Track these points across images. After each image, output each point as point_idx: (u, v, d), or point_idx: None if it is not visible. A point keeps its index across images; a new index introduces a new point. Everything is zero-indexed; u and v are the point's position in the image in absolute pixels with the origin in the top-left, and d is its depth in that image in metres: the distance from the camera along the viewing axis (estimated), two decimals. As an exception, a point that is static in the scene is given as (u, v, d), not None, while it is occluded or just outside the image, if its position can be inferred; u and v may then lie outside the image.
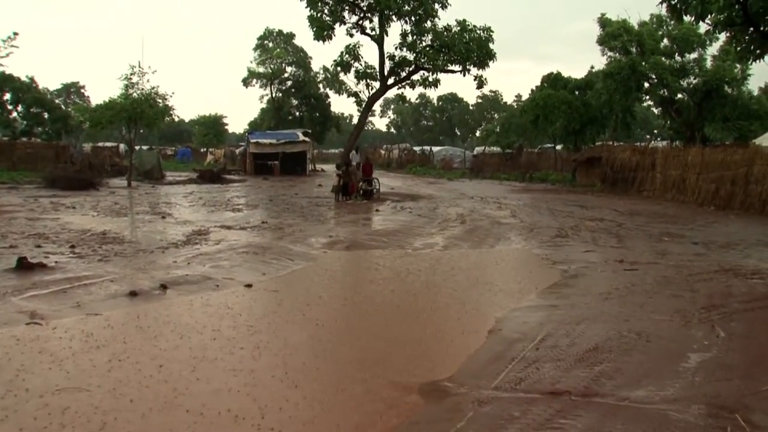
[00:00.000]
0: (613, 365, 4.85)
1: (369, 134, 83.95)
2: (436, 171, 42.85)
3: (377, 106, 66.23)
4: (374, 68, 27.81)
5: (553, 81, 33.47)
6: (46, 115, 38.53)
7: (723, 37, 21.46)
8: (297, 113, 49.01)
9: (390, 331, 5.88)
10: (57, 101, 49.38)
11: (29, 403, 3.94)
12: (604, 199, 21.73)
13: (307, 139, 39.10)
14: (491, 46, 26.63)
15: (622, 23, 28.56)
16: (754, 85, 49.18)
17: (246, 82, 48.14)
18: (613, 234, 12.65)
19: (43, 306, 6.22)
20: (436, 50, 26.37)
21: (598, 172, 27.09)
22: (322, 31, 25.81)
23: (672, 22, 26.73)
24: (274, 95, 48.63)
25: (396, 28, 55.60)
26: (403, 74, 27.89)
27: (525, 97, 47.27)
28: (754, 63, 15.20)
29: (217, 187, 26.55)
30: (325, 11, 26.13)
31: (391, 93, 33.07)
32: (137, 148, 33.85)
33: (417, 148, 55.90)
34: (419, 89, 33.59)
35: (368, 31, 27.05)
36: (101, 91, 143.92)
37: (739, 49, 14.54)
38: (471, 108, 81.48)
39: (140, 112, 24.87)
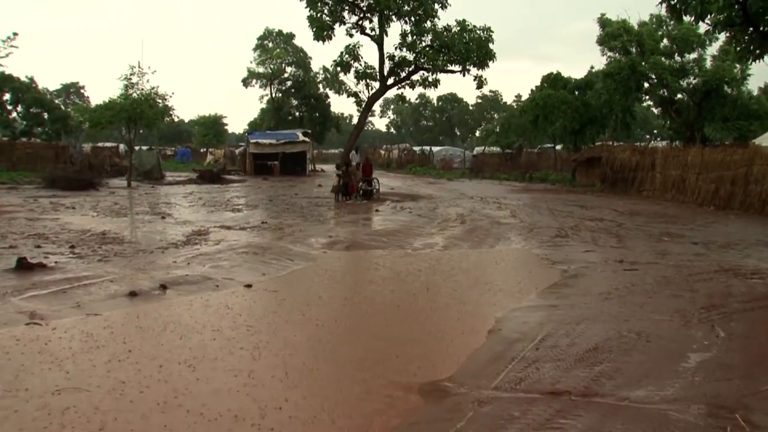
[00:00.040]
0: (613, 365, 4.85)
1: (369, 134, 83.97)
2: (435, 171, 42.85)
3: (377, 107, 66.29)
4: (374, 68, 27.82)
5: (552, 81, 33.48)
6: (45, 116, 38.53)
7: (723, 37, 21.47)
8: (297, 113, 49.01)
9: (390, 331, 5.88)
10: (57, 101, 49.38)
11: (29, 404, 3.94)
12: (603, 199, 21.73)
13: (306, 139, 39.11)
14: (491, 46, 26.65)
15: (621, 23, 28.57)
16: (753, 85, 49.15)
17: (246, 83, 48.17)
18: (613, 234, 12.65)
19: (42, 306, 6.22)
20: (436, 50, 26.37)
21: (598, 172, 27.10)
22: (322, 32, 25.80)
23: (672, 23, 26.74)
24: (273, 95, 48.64)
25: (396, 29, 55.46)
26: (403, 74, 27.90)
27: (525, 97, 47.32)
28: (753, 63, 15.21)
29: (216, 187, 26.55)
30: (325, 11, 26.12)
31: (390, 93, 33.11)
32: (137, 148, 33.85)
33: (417, 148, 55.90)
34: (419, 89, 33.73)
35: (368, 31, 27.06)
36: (101, 91, 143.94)
37: (738, 49, 14.54)
38: (471, 108, 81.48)
39: (140, 113, 24.88)
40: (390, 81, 28.14)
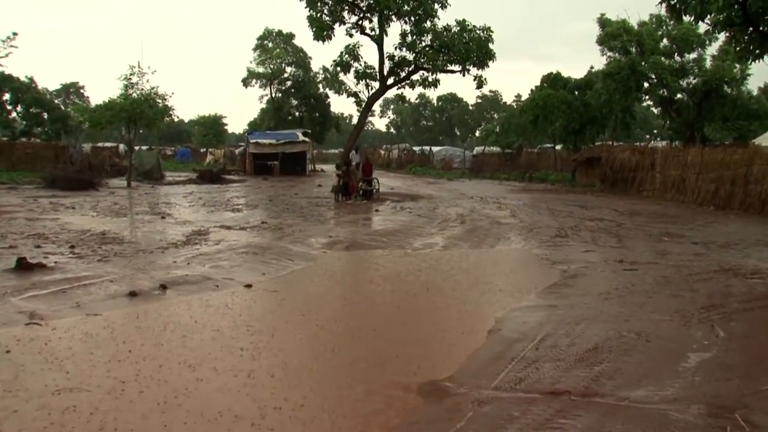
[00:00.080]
0: (613, 365, 4.85)
1: (369, 134, 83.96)
2: (435, 171, 42.84)
3: (377, 106, 66.25)
4: (374, 68, 27.81)
5: (552, 81, 33.47)
6: (45, 116, 38.52)
7: (722, 37, 21.45)
8: (297, 113, 49.00)
9: (390, 331, 5.88)
10: (56, 101, 49.33)
11: (29, 404, 3.94)
12: (603, 199, 21.74)
13: (306, 139, 39.10)
14: (491, 46, 26.62)
15: (621, 23, 28.57)
16: (753, 85, 49.22)
17: (246, 83, 48.15)
18: (613, 234, 12.65)
19: (42, 306, 6.22)
20: (436, 50, 26.36)
21: (598, 172, 27.10)
22: (322, 32, 25.80)
23: (671, 22, 26.75)
24: (273, 95, 48.63)
25: (396, 29, 55.52)
26: (403, 74, 27.88)
27: (525, 97, 47.32)
28: (753, 63, 15.19)
29: (216, 187, 26.55)
30: (325, 11, 26.12)
31: (390, 93, 33.10)
32: (137, 148, 33.84)
33: (417, 148, 55.89)
34: (419, 89, 33.74)
35: (368, 31, 27.05)
36: (101, 91, 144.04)
37: (738, 49, 14.53)
38: (471, 108, 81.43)
39: (140, 113, 24.87)
40: (390, 81, 28.14)
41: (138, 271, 8.13)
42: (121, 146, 42.93)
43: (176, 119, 45.62)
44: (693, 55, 28.48)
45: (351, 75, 28.13)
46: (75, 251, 9.41)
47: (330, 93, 47.48)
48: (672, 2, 13.42)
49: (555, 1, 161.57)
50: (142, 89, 25.29)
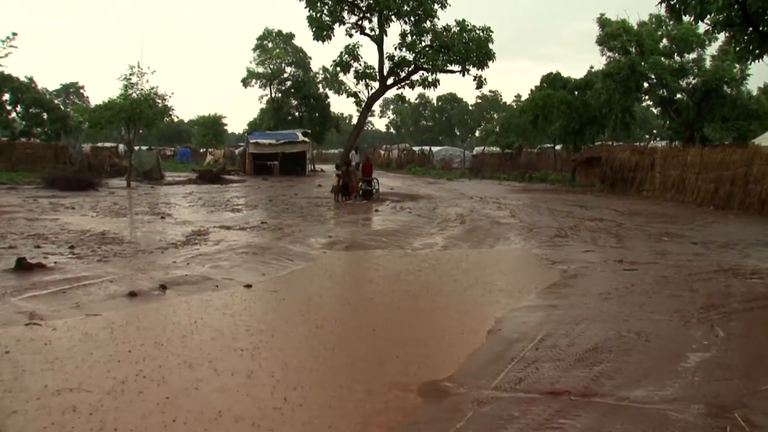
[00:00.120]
0: (613, 365, 4.85)
1: (368, 134, 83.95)
2: (435, 171, 42.86)
3: (377, 107, 66.15)
4: (373, 68, 27.80)
5: (552, 81, 33.47)
6: (45, 116, 38.50)
7: (722, 37, 21.45)
8: (296, 113, 48.99)
9: (389, 331, 5.88)
10: (56, 101, 49.31)
11: (28, 404, 3.94)
12: (603, 199, 21.74)
13: (306, 139, 39.10)
14: (490, 46, 26.61)
15: (621, 23, 28.56)
16: (753, 85, 49.18)
17: (245, 83, 48.14)
18: (613, 234, 12.65)
19: (42, 306, 6.22)
20: (436, 50, 26.36)
21: (598, 172, 27.10)
22: (322, 32, 25.79)
23: (671, 23, 26.74)
24: (273, 95, 48.62)
25: (395, 29, 55.41)
26: (403, 74, 27.87)
27: (524, 97, 47.32)
28: (753, 63, 15.19)
29: (216, 187, 26.55)
30: (325, 11, 26.11)
31: (390, 93, 33.07)
32: (136, 148, 33.82)
33: (416, 148, 55.90)
34: (419, 89, 33.73)
35: (367, 31, 27.04)
36: (100, 91, 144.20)
37: (738, 49, 14.53)
38: (470, 108, 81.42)
39: (139, 113, 24.87)
40: (390, 81, 28.13)
41: (138, 271, 8.13)
42: (121, 146, 42.92)
43: (176, 119, 45.61)
44: (693, 55, 28.49)
45: (351, 75, 28.16)
46: (75, 251, 9.41)
47: (330, 93, 47.57)
48: (672, 2, 13.42)
49: (555, 1, 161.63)
50: (142, 89, 25.33)
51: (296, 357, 5.00)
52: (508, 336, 5.64)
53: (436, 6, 26.43)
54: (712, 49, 28.20)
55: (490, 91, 77.87)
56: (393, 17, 26.64)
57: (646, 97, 31.69)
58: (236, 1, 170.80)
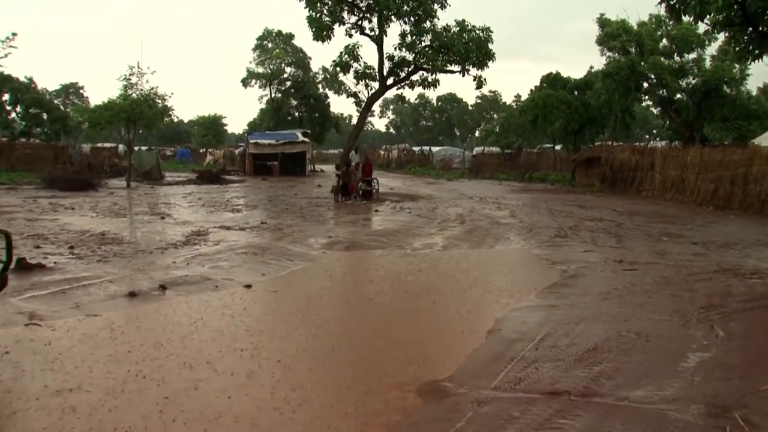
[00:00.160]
0: (613, 365, 4.85)
1: (368, 134, 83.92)
2: (435, 171, 42.86)
3: (376, 107, 66.05)
4: (373, 68, 27.81)
5: (552, 81, 33.48)
6: (44, 116, 38.51)
7: (722, 37, 21.47)
8: (296, 114, 48.98)
9: (389, 331, 5.88)
10: (56, 102, 49.31)
11: (28, 404, 3.94)
12: (603, 199, 21.74)
13: (306, 139, 39.10)
14: (490, 46, 26.63)
15: (621, 23, 28.58)
16: (752, 85, 49.17)
17: (245, 83, 48.13)
18: (613, 234, 12.65)
19: (42, 307, 6.22)
20: (436, 50, 26.37)
21: (598, 172, 27.11)
22: (321, 32, 25.80)
23: (671, 23, 26.75)
24: (273, 96, 48.61)
25: (395, 29, 55.51)
26: (403, 74, 27.88)
27: (524, 97, 47.34)
28: (752, 63, 15.21)
29: (216, 187, 26.55)
30: (324, 12, 26.12)
31: (390, 93, 33.07)
32: (136, 148, 33.83)
33: (416, 149, 55.89)
34: (418, 89, 33.70)
35: (367, 31, 27.05)
36: (100, 91, 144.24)
37: (737, 49, 14.55)
38: (470, 108, 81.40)
39: (139, 113, 24.88)
40: (389, 81, 28.14)
41: (137, 271, 8.13)
42: (121, 146, 42.91)
43: (176, 119, 45.57)
44: (692, 55, 28.51)
45: (350, 75, 28.17)
46: (74, 252, 9.41)
47: (330, 93, 47.56)
48: (671, 2, 13.44)
49: (555, 1, 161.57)
50: (142, 89, 25.34)
51: (296, 357, 5.00)
52: (507, 336, 5.64)
53: (435, 6, 26.44)
54: (712, 49, 28.26)
55: (490, 91, 77.92)
56: (393, 17, 26.65)
57: (646, 97, 31.71)
58: (236, 1, 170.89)
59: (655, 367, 4.84)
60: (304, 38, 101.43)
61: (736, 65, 26.32)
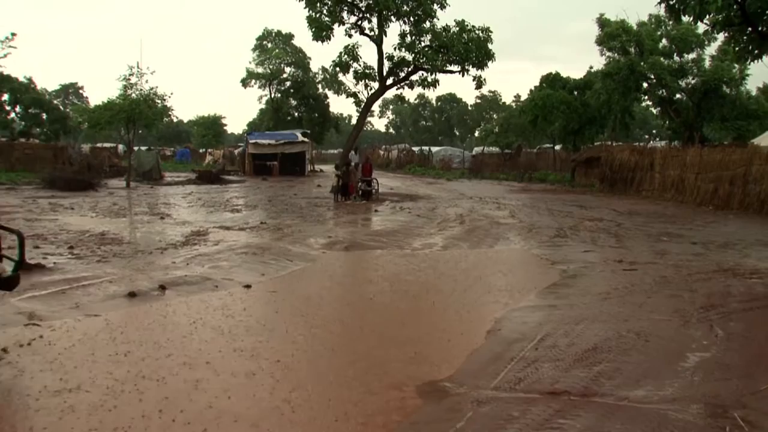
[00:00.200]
0: (612, 365, 4.85)
1: (368, 135, 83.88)
2: (435, 171, 42.88)
3: (376, 107, 66.09)
4: (373, 69, 27.82)
5: (552, 81, 33.47)
6: (44, 116, 38.52)
7: (721, 37, 21.50)
8: (296, 114, 48.95)
9: (389, 331, 5.88)
10: (55, 102, 49.32)
11: (28, 404, 3.94)
12: (602, 199, 21.75)
13: (305, 139, 39.10)
14: (490, 46, 26.64)
15: (620, 23, 28.57)
16: (752, 85, 49.16)
17: (245, 83, 48.08)
18: (612, 234, 12.66)
19: (41, 307, 6.21)
20: (435, 51, 26.37)
21: (597, 172, 27.12)
22: (321, 32, 25.80)
23: (670, 23, 26.75)
24: (272, 96, 48.58)
25: (395, 29, 55.49)
26: (402, 75, 27.90)
27: (524, 97, 47.26)
28: (752, 63, 15.21)
29: (215, 187, 26.54)
30: (324, 12, 26.12)
31: (390, 93, 33.11)
32: (136, 148, 33.82)
33: (416, 149, 55.88)
34: (418, 89, 33.66)
35: (367, 31, 27.06)
36: (100, 91, 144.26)
37: (737, 49, 14.56)
38: (470, 108, 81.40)
39: (139, 113, 24.88)
40: (389, 81, 28.15)
41: (137, 271, 8.13)
42: (120, 147, 42.88)
43: (175, 120, 45.70)
44: (692, 56, 28.50)
45: (350, 75, 28.19)
46: (74, 252, 9.41)
47: (329, 93, 47.60)
48: (671, 2, 13.43)
49: (555, 1, 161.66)
50: (141, 90, 25.35)
51: (296, 357, 5.00)
52: (507, 336, 5.64)
53: (435, 6, 26.44)
54: (712, 49, 28.25)
55: (490, 92, 77.87)
56: (392, 17, 26.66)
57: (646, 97, 31.71)
58: (236, 2, 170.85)
59: (655, 367, 4.84)
60: (303, 38, 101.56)
61: (736, 65, 26.31)
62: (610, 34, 28.55)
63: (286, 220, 14.39)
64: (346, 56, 27.23)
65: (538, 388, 4.36)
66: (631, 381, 4.50)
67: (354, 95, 29.55)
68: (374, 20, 26.82)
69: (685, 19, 14.59)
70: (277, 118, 47.03)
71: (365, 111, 30.38)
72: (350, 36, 27.01)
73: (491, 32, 26.58)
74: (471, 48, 26.18)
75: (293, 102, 49.09)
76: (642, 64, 27.58)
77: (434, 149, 52.45)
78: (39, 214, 14.61)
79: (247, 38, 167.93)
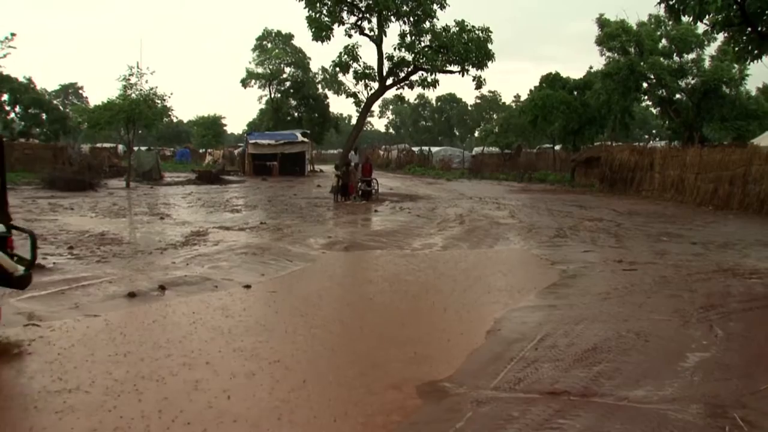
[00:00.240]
0: (612, 365, 4.85)
1: (368, 135, 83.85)
2: (434, 171, 42.88)
3: (376, 107, 66.09)
4: (373, 69, 27.82)
5: (551, 81, 33.47)
6: (44, 116, 38.52)
7: (721, 37, 21.44)
8: (296, 114, 48.95)
9: (389, 332, 5.88)
10: (55, 102, 49.29)
11: (27, 404, 3.93)
12: (602, 199, 21.76)
13: (305, 139, 39.10)
14: (490, 46, 26.63)
15: (620, 24, 28.57)
16: (752, 85, 49.10)
17: (245, 83, 48.08)
18: (612, 234, 12.66)
19: (41, 307, 6.21)
20: (435, 51, 26.38)
21: (597, 172, 27.12)
22: (321, 32, 25.79)
23: (670, 23, 26.75)
24: (272, 96, 48.58)
25: (395, 29, 55.57)
26: (402, 75, 27.89)
27: (524, 97, 47.30)
28: (752, 63, 15.21)
29: (215, 187, 26.54)
30: (324, 12, 26.12)
31: (389, 93, 33.07)
32: (136, 148, 33.81)
33: (416, 149, 55.89)
34: (418, 90, 33.54)
35: (367, 31, 27.06)
36: (100, 91, 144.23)
37: (737, 49, 14.55)
38: (470, 108, 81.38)
39: (138, 113, 24.88)
40: (389, 81, 28.14)
41: (137, 272, 8.13)
42: (120, 147, 42.86)
43: (175, 120, 45.67)
44: (692, 56, 28.50)
45: (350, 75, 28.19)
46: (74, 252, 9.40)
47: (329, 93, 47.55)
48: (671, 3, 13.42)
49: (555, 1, 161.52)
50: (141, 90, 25.35)
51: (295, 357, 4.99)
52: (507, 336, 5.64)
53: (435, 6, 26.43)
54: (711, 49, 28.25)
55: (490, 92, 77.84)
56: (392, 18, 26.65)
57: (646, 97, 31.71)
58: (236, 2, 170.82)
59: (655, 367, 4.84)
60: (303, 38, 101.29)
61: (735, 65, 26.31)
62: (610, 34, 28.55)
63: (285, 221, 14.39)
64: (346, 56, 27.23)
65: (537, 388, 4.36)
66: (631, 381, 4.50)
67: (354, 95, 29.58)
68: (374, 20, 26.82)
69: (685, 19, 14.58)
70: (277, 119, 47.03)
71: (365, 111, 30.39)
72: (350, 36, 27.05)
73: (491, 32, 26.60)
74: (471, 48, 26.18)
75: (293, 102, 49.09)
76: (642, 64, 27.58)
77: (434, 149, 52.45)
78: (39, 214, 14.61)
79: (247, 38, 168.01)
